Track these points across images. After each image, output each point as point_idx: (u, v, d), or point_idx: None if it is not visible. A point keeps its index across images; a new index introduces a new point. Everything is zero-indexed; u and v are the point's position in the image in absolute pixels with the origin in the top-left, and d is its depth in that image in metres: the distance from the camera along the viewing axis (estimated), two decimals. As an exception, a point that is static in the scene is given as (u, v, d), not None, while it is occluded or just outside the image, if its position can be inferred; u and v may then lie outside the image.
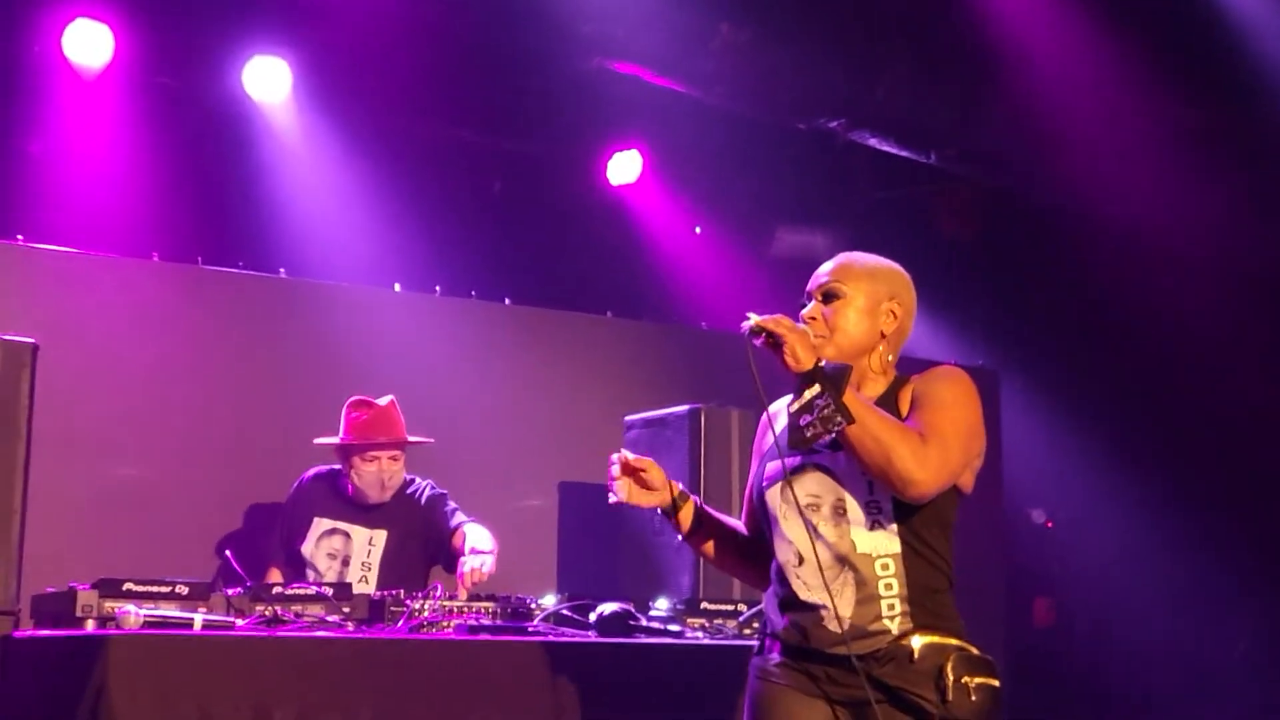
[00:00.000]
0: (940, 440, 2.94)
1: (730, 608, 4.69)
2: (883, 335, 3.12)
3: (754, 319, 2.99)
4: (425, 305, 6.52)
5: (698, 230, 7.78)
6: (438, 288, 6.61)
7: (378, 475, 5.19)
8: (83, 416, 5.54)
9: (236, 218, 6.41)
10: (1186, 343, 7.16)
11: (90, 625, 3.79)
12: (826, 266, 3.17)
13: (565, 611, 4.31)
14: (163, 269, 5.99)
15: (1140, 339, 7.45)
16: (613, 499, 3.26)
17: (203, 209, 6.33)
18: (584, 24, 6.00)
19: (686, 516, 3.32)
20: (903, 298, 3.16)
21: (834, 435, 2.88)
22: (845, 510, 3.02)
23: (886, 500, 3.00)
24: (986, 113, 6.95)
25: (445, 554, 5.20)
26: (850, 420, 2.85)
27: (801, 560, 3.04)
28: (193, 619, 3.81)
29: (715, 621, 4.61)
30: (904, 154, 7.13)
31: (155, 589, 3.91)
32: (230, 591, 4.07)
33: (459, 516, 5.22)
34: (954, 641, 2.99)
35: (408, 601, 4.16)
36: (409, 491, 5.30)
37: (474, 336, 6.55)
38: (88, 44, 6.01)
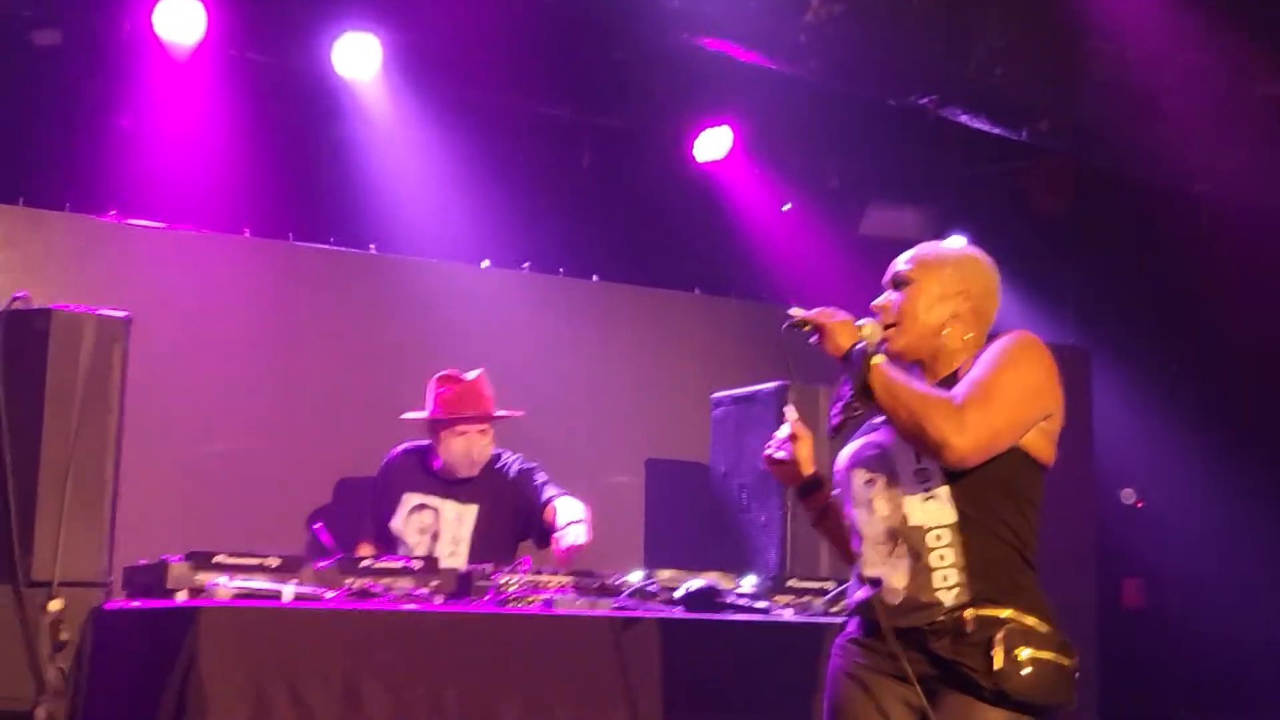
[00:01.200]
0: (981, 401, 2.91)
1: (817, 585, 4.65)
2: (955, 317, 3.12)
3: (797, 313, 3.19)
4: (514, 281, 6.52)
5: (786, 207, 7.71)
6: (526, 264, 6.61)
7: (466, 450, 5.19)
8: (174, 391, 5.59)
9: (327, 194, 6.43)
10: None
11: (181, 597, 3.81)
12: (902, 256, 3.21)
13: (652, 587, 4.28)
14: (254, 245, 6.04)
15: (1237, 317, 7.29)
16: (776, 454, 3.37)
17: (294, 185, 6.35)
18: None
19: (821, 499, 3.38)
20: (975, 281, 3.17)
21: (857, 415, 3.08)
22: (898, 484, 3.03)
23: (936, 471, 2.98)
24: (1080, 87, 6.79)
25: (536, 528, 5.19)
26: (868, 402, 2.98)
27: (863, 536, 3.10)
28: (282, 591, 3.83)
29: (803, 599, 4.57)
30: (996, 131, 7.00)
31: (245, 561, 3.93)
32: (319, 564, 4.08)
33: (550, 490, 5.20)
34: (1009, 613, 2.92)
35: (495, 575, 4.16)
36: (498, 465, 5.30)
37: (562, 313, 6.54)
38: (179, 21, 6.03)
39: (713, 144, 7.22)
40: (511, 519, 5.24)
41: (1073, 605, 3.07)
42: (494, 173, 6.64)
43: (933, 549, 2.97)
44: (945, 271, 3.14)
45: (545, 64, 6.77)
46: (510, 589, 4.14)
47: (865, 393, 2.97)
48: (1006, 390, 2.94)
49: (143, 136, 6.13)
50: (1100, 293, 7.97)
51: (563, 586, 4.19)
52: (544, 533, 5.17)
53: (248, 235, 6.04)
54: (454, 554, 5.12)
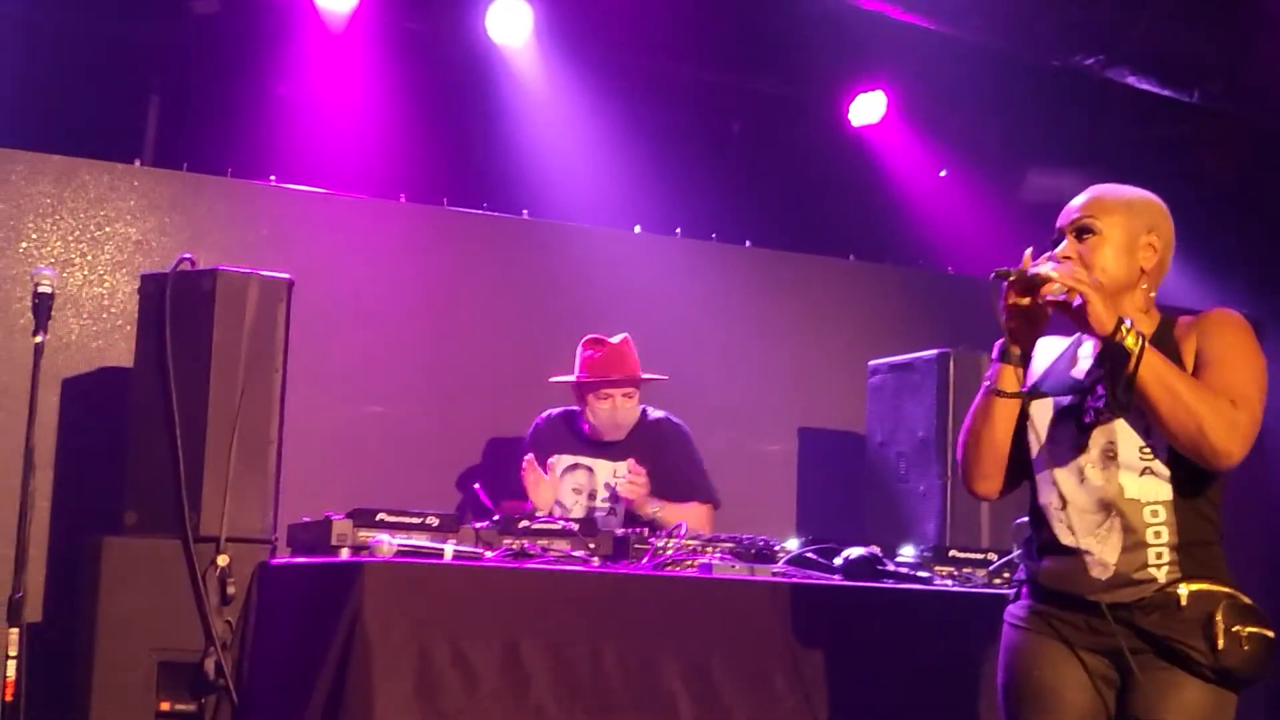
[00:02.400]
0: (1248, 405, 2.81)
1: (980, 556, 4.57)
2: (1143, 271, 2.98)
3: (1045, 270, 2.86)
4: (666, 247, 6.47)
5: (943, 174, 7.56)
6: (678, 230, 6.56)
7: (611, 413, 5.19)
8: (332, 354, 5.66)
9: (480, 160, 6.44)
10: None
11: (345, 554, 3.86)
12: (1078, 201, 3.04)
13: (810, 554, 4.22)
14: (409, 210, 6.08)
15: None
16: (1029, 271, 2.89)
17: (448, 151, 6.39)
18: (829, -44, 5.84)
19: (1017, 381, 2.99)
20: (1161, 229, 3.01)
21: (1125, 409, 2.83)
22: (1116, 454, 2.90)
23: (1163, 448, 2.87)
24: (1254, 46, 6.54)
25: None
26: (1127, 405, 2.80)
27: (1065, 503, 2.94)
28: (443, 549, 3.85)
29: (964, 570, 4.49)
30: (1165, 92, 6.77)
31: (407, 520, 3.98)
32: (478, 524, 4.10)
33: (703, 488, 5.24)
34: (1224, 589, 2.86)
35: (651, 539, 4.13)
36: (648, 421, 5.29)
37: (714, 279, 6.48)
38: (334, -12, 6.10)
39: (868, 108, 7.10)
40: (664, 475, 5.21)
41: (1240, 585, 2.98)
42: (646, 138, 6.60)
43: (1149, 525, 2.88)
44: (1133, 218, 2.98)
45: (698, 28, 6.72)
46: (667, 552, 4.11)
47: (1129, 383, 2.76)
48: (1258, 388, 2.86)
49: (300, 103, 6.20)
50: (1274, 261, 7.68)
51: (721, 551, 4.14)
52: None
53: (403, 200, 6.08)
54: (613, 511, 5.11)
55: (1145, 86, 6.70)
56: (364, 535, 3.90)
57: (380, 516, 3.96)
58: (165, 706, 4.19)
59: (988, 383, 2.98)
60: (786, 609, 3.92)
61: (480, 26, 6.36)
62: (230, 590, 4.19)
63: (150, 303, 4.49)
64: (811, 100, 7.15)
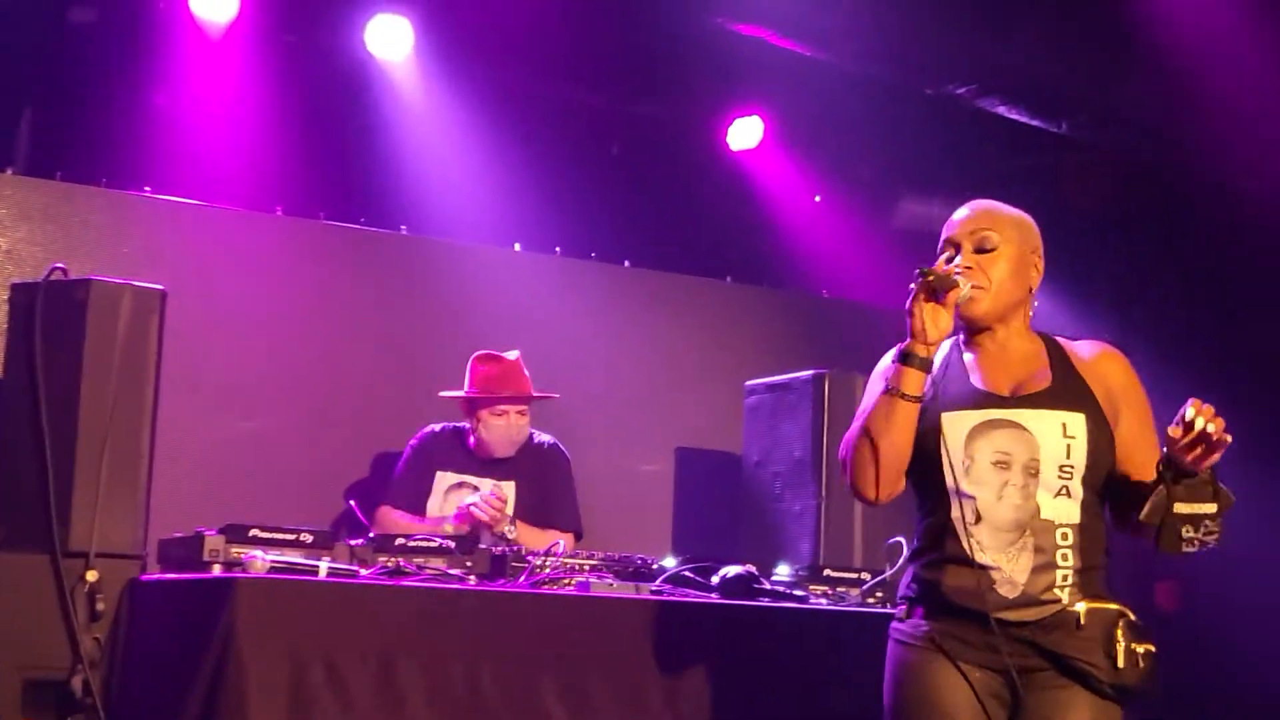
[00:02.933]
0: None
1: (854, 575, 4.63)
2: (1029, 290, 3.04)
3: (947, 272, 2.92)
4: (546, 265, 6.49)
5: (817, 199, 7.67)
6: (558, 248, 6.58)
7: (506, 430, 5.18)
8: (206, 367, 5.59)
9: (359, 175, 6.39)
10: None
11: (217, 570, 3.81)
12: (967, 213, 3.06)
13: (687, 573, 4.25)
14: (286, 223, 6.03)
15: (1274, 320, 7.20)
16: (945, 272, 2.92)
17: (325, 165, 6.32)
18: (709, -19, 5.90)
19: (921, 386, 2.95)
20: (1040, 251, 3.09)
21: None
22: (1037, 473, 2.90)
23: (1081, 468, 2.90)
24: (1124, 80, 6.73)
25: None
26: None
27: (979, 519, 2.91)
28: (318, 566, 3.82)
29: (838, 589, 4.55)
30: (1034, 123, 6.95)
31: (280, 536, 3.93)
32: (353, 541, 4.07)
33: (569, 519, 5.25)
34: (1117, 607, 2.91)
35: (529, 557, 4.13)
36: (534, 443, 5.29)
37: (594, 298, 6.51)
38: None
39: (745, 133, 7.18)
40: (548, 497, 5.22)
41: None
42: (525, 157, 6.61)
43: (1059, 547, 2.89)
44: (1025, 236, 3.04)
45: (578, 48, 6.74)
46: (544, 570, 4.11)
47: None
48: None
49: (177, 114, 6.12)
50: (1136, 290, 7.89)
51: (598, 570, 4.16)
52: None
53: (280, 213, 6.02)
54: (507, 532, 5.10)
55: (1015, 116, 6.87)
56: (237, 551, 3.85)
57: (253, 532, 3.91)
58: (29, 726, 4.09)
59: (889, 385, 2.91)
60: (664, 627, 3.94)
61: (360, 40, 6.33)
62: (99, 607, 4.09)
63: (20, 312, 4.38)
64: (690, 123, 7.21)
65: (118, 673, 4.02)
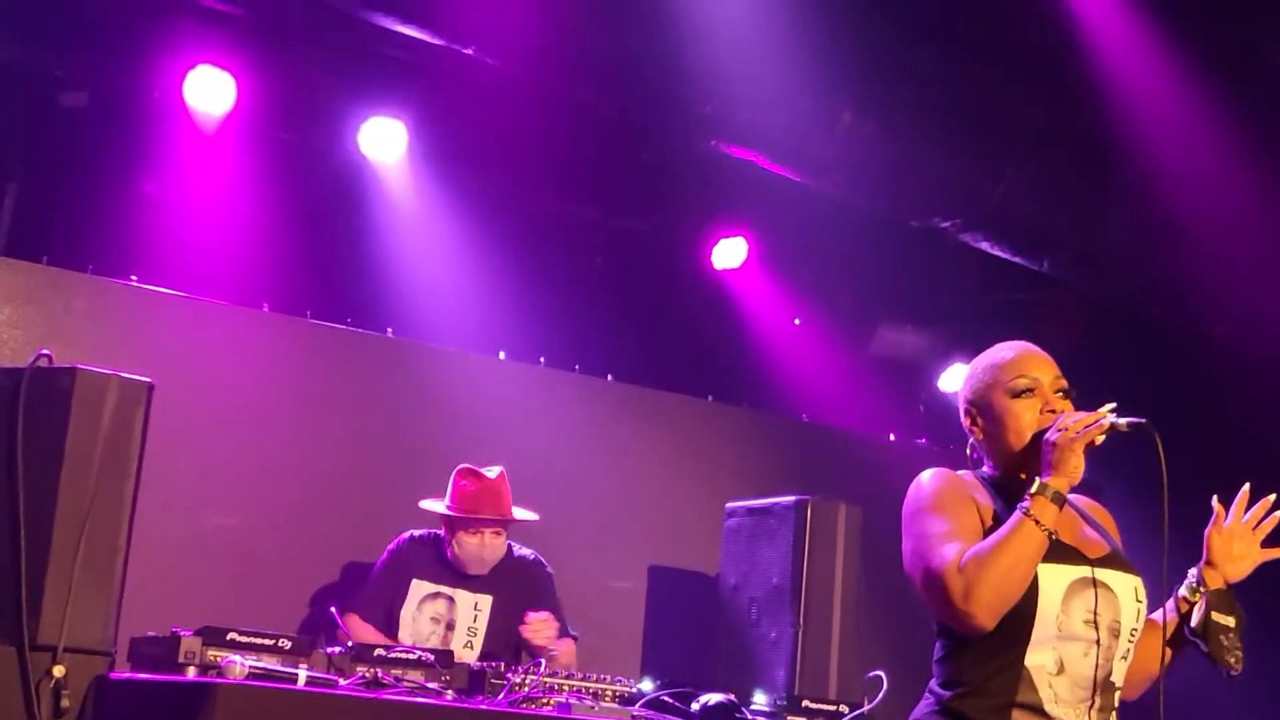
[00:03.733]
0: None
1: (832, 708, 4.57)
2: None
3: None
4: (529, 375, 6.49)
5: (797, 322, 7.71)
6: (542, 358, 6.58)
7: (479, 549, 5.13)
8: (185, 461, 5.52)
9: (347, 275, 6.41)
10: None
11: (192, 672, 3.72)
12: (1038, 357, 3.09)
13: (666, 698, 4.19)
14: (272, 319, 6.00)
15: (1249, 464, 7.24)
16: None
17: (314, 264, 6.33)
18: (704, 104, 5.93)
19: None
20: None
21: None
22: (1118, 634, 2.91)
23: (1140, 632, 2.95)
24: (1105, 224, 6.84)
25: None
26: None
27: (1062, 670, 2.88)
28: (296, 674, 3.74)
29: (816, 720, 4.49)
30: (1016, 259, 7.02)
31: (258, 640, 3.85)
32: (332, 650, 4.00)
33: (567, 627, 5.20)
34: None
35: (508, 674, 4.07)
36: (514, 557, 5.23)
37: (575, 410, 6.50)
38: (209, 91, 6.04)
39: (729, 253, 7.24)
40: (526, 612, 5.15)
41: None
42: (513, 265, 6.64)
43: (1114, 707, 2.94)
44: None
45: (570, 161, 6.80)
46: (524, 689, 4.04)
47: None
48: None
49: (167, 203, 6.12)
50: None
51: (578, 691, 4.09)
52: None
53: (266, 310, 5.99)
54: (469, 645, 5.03)
55: (997, 252, 6.94)
56: (213, 654, 3.77)
57: (231, 636, 3.83)
58: (-15, 824, 3.96)
59: (1032, 516, 2.83)
60: (643, 753, 3.88)
61: (354, 141, 6.36)
62: (64, 703, 3.98)
63: (3, 397, 4.31)
64: (675, 240, 7.26)
65: (79, 773, 3.91)
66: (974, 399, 3.10)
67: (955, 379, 7.72)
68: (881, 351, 7.79)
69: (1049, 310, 7.93)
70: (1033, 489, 2.87)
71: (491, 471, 5.18)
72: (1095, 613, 2.89)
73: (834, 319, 7.65)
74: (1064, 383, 3.05)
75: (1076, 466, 2.87)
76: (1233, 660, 2.92)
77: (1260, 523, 3.09)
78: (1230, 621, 2.92)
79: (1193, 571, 3.00)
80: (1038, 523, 2.82)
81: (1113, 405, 2.96)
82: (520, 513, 5.22)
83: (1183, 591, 3.05)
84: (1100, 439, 2.91)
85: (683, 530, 6.51)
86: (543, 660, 4.25)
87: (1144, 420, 2.92)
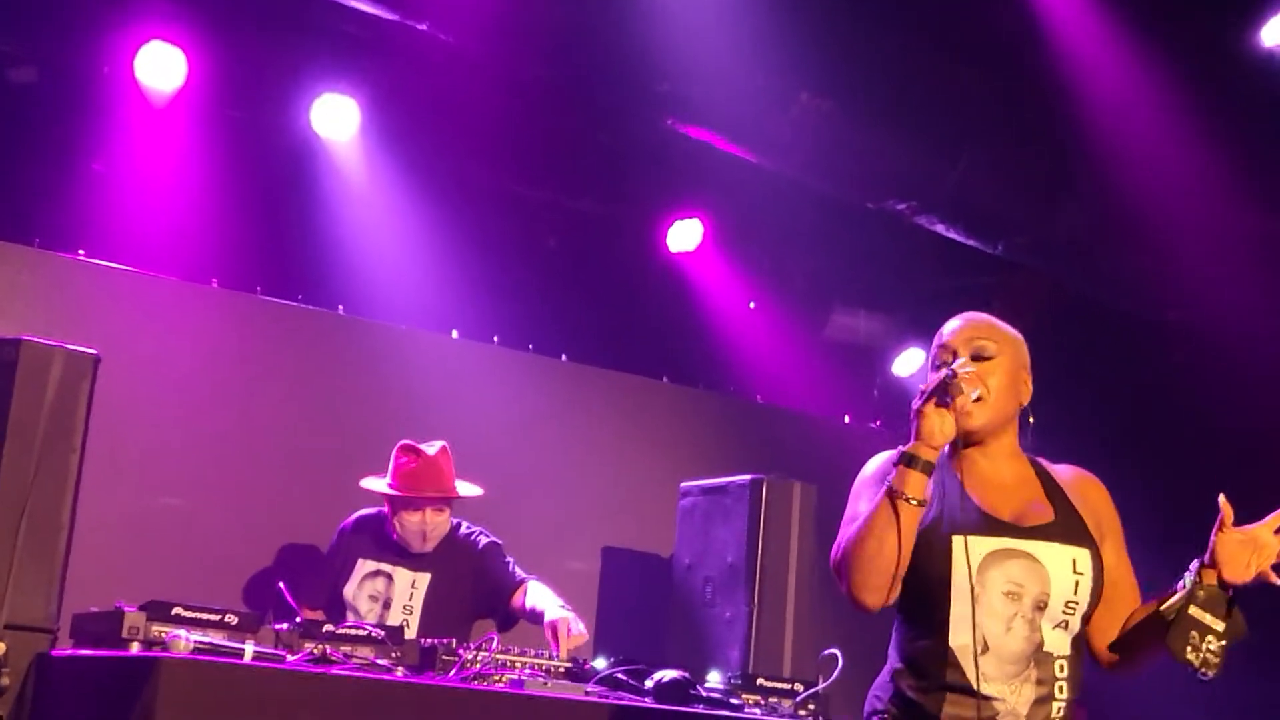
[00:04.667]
0: None
1: (786, 686, 4.55)
2: (1019, 406, 3.01)
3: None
4: (482, 354, 6.43)
5: (751, 305, 7.69)
6: (495, 337, 6.52)
7: (420, 526, 5.07)
8: (131, 438, 5.44)
9: (298, 251, 6.30)
10: (1248, 460, 6.94)
11: (136, 648, 3.65)
12: (962, 323, 3.02)
13: (620, 675, 4.15)
14: (221, 295, 5.92)
15: (1206, 448, 7.27)
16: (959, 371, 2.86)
17: (265, 240, 6.23)
18: (660, 83, 5.87)
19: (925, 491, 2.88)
20: (1029, 369, 3.05)
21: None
22: (1046, 606, 2.87)
23: (1084, 604, 2.89)
24: (1061, 208, 6.85)
25: (502, 609, 5.07)
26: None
27: (986, 649, 2.84)
28: (243, 649, 3.68)
29: (770, 699, 4.47)
30: (971, 242, 7.02)
31: (204, 616, 3.78)
32: (279, 626, 3.93)
33: (519, 572, 5.09)
34: None
35: (460, 651, 4.02)
36: (458, 535, 5.17)
37: (529, 390, 6.45)
38: (160, 67, 5.93)
39: (684, 235, 7.20)
40: (470, 592, 5.11)
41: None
42: (466, 244, 6.57)
43: (1056, 678, 2.88)
44: (1018, 352, 3.02)
45: (524, 139, 6.74)
46: (475, 666, 3.99)
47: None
48: None
49: (116, 179, 6.01)
50: (1058, 416, 7.93)
51: (531, 667, 4.05)
52: (510, 614, 5.06)
53: (215, 285, 5.91)
54: (405, 622, 4.97)
55: (953, 235, 6.93)
56: (158, 630, 3.69)
57: (176, 611, 3.75)
58: (-75, 806, 3.88)
59: (893, 488, 2.81)
60: (596, 729, 3.84)
61: (306, 118, 6.28)
62: (4, 681, 3.91)
63: (-53, 370, 4.23)
64: (630, 221, 7.22)
65: (20, 751, 3.84)
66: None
67: (909, 363, 7.73)
68: (836, 335, 7.77)
69: (1004, 294, 7.93)
70: (894, 460, 2.87)
71: (432, 447, 5.10)
72: (1018, 584, 2.86)
73: (789, 301, 7.63)
74: (983, 345, 2.97)
75: (930, 430, 2.81)
76: (1195, 660, 2.79)
77: None
78: (1215, 625, 2.80)
79: (1193, 564, 2.90)
80: (900, 494, 2.80)
81: (962, 361, 2.91)
82: (464, 487, 5.15)
83: (1180, 582, 2.95)
84: (963, 397, 2.83)
85: (638, 512, 6.47)
86: (495, 637, 4.20)
87: (953, 370, 2.84)
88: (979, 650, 2.83)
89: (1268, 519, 2.85)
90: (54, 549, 4.15)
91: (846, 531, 2.89)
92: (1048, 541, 2.88)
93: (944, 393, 2.81)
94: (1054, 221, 6.81)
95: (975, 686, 2.83)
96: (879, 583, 2.82)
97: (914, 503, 2.81)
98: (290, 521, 5.71)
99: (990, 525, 2.89)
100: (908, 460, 2.82)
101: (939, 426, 2.81)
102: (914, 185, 6.61)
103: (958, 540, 2.85)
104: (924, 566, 2.86)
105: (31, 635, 4.03)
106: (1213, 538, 2.84)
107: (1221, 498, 2.84)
